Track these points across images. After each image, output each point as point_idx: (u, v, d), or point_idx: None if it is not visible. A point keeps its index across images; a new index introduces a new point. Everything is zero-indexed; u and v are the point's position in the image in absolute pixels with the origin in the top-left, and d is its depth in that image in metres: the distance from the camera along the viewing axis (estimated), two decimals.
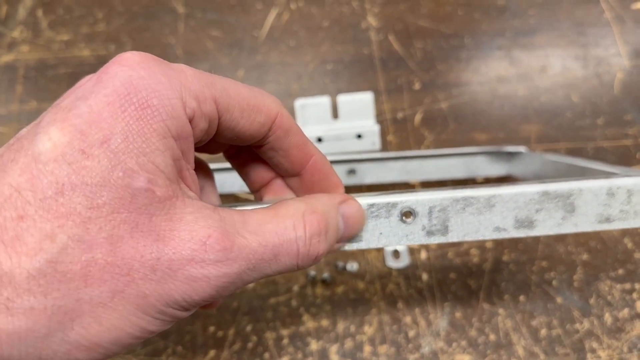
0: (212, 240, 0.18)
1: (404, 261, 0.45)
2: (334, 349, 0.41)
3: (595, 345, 0.41)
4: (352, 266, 0.45)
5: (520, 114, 0.51)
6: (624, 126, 0.50)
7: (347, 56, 0.53)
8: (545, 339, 0.42)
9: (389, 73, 0.52)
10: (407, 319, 0.42)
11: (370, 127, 0.48)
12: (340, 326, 0.42)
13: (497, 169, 0.48)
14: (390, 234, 0.25)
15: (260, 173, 0.26)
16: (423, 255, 0.45)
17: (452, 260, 0.45)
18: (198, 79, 0.20)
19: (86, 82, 0.19)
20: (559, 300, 0.43)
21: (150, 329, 0.19)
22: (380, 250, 0.45)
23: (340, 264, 0.45)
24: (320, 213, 0.22)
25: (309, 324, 0.42)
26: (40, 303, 0.16)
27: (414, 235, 0.25)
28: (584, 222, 0.25)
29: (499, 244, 0.45)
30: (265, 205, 0.22)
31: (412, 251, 0.45)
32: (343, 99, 0.48)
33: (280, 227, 0.20)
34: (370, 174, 0.48)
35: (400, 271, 0.44)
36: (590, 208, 0.25)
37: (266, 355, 0.41)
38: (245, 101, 0.21)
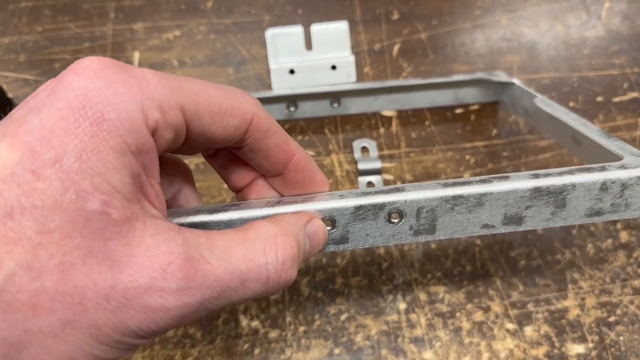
0: (173, 267, 0.17)
1: None
2: (304, 281, 0.40)
3: (576, 275, 0.40)
4: None
5: (502, 44, 0.49)
6: (611, 56, 0.48)
7: None
8: (524, 270, 0.40)
9: (367, 3, 0.50)
10: (381, 251, 0.41)
11: (346, 57, 0.46)
12: (312, 259, 0.41)
13: (486, 96, 0.46)
14: (377, 234, 0.24)
15: (241, 174, 0.25)
16: None
17: None
18: (162, 86, 0.18)
19: (41, 92, 0.17)
20: (539, 231, 0.41)
21: (107, 357, 0.17)
22: (354, 184, 0.43)
23: None
24: (293, 236, 0.20)
25: None
26: None
27: (401, 235, 0.24)
28: (573, 216, 0.25)
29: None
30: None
31: (387, 183, 0.43)
32: (317, 28, 0.46)
33: (249, 252, 0.19)
34: (355, 105, 0.46)
35: None
36: (581, 203, 0.25)
37: None
38: (217, 105, 0.20)
